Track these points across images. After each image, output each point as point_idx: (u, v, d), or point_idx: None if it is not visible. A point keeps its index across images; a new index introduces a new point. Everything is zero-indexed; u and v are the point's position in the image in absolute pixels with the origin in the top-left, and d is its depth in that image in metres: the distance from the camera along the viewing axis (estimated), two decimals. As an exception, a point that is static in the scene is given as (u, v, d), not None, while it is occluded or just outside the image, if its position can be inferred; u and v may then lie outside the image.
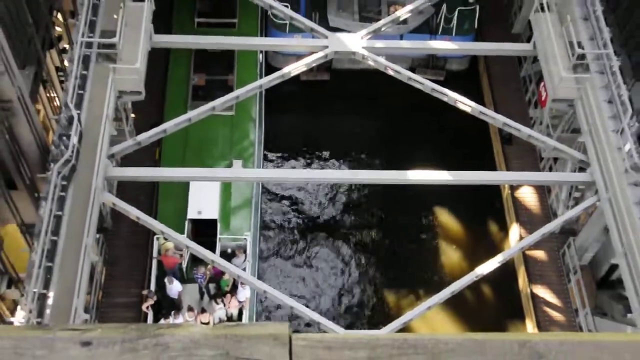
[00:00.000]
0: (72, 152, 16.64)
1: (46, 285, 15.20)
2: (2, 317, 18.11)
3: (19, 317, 14.71)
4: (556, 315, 21.19)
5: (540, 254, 22.24)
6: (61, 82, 21.67)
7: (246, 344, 2.30)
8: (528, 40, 22.61)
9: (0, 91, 16.05)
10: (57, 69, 22.23)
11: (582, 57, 19.55)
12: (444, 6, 25.43)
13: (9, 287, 18.16)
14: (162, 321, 18.27)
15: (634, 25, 21.61)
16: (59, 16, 21.95)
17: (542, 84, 21.49)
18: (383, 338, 2.34)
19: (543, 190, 23.77)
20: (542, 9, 20.78)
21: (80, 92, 18.14)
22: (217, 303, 18.86)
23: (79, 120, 17.22)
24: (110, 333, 2.31)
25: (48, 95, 21.27)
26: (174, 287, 18.87)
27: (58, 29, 22.47)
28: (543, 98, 21.36)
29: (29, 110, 17.16)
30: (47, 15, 20.27)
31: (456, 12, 25.60)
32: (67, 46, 22.13)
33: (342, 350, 2.29)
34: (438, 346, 2.33)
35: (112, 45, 18.74)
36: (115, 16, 19.10)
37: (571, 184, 20.86)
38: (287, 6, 23.25)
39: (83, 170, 17.20)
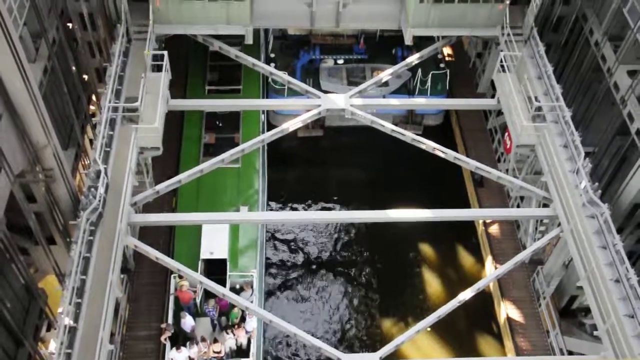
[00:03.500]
0: (100, 201, 16.80)
1: (76, 319, 15.07)
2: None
3: (51, 348, 14.40)
4: (530, 336, 20.80)
5: (513, 282, 21.97)
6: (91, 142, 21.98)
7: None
8: (492, 97, 22.97)
9: (43, 161, 16.35)
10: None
11: (539, 109, 19.87)
12: (419, 70, 25.75)
13: (48, 330, 17.93)
14: (175, 351, 17.95)
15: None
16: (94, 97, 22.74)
17: (506, 133, 21.69)
18: None
19: (512, 226, 23.69)
20: (503, 70, 21.25)
21: (107, 149, 18.46)
22: (228, 333, 18.56)
23: (105, 173, 17.43)
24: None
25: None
26: (188, 322, 18.58)
27: (92, 107, 23.30)
28: (508, 145, 21.51)
29: (67, 176, 17.41)
30: (86, 105, 20.99)
31: (430, 75, 25.87)
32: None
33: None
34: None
35: (134, 109, 19.10)
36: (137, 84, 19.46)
37: (536, 218, 20.86)
38: (285, 73, 23.88)
39: (109, 216, 17.31)
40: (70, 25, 21.47)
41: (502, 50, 21.65)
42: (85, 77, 22.54)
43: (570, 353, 19.13)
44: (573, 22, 23.17)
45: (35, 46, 18.37)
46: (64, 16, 20.85)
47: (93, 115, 22.28)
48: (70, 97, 20.56)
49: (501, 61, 21.25)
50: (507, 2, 21.92)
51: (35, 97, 15.20)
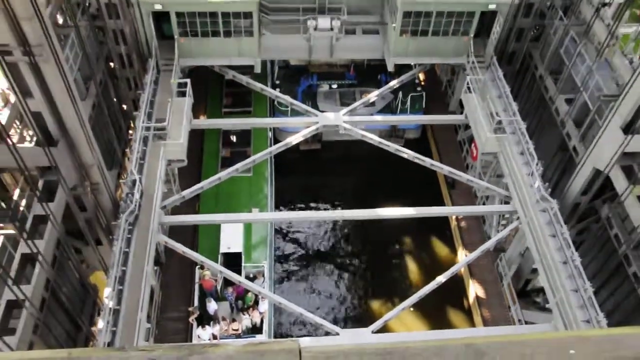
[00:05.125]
0: (136, 205, 17.04)
1: (118, 303, 15.29)
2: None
3: (99, 325, 14.71)
4: (495, 310, 21.01)
5: (481, 267, 22.16)
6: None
7: (268, 357, 2.27)
8: (461, 114, 23.21)
9: (91, 176, 16.76)
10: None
11: (499, 122, 20.10)
12: (400, 93, 25.90)
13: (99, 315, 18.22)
14: (201, 329, 18.20)
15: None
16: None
17: (473, 143, 21.98)
18: (369, 347, 2.29)
19: (479, 220, 23.87)
20: (470, 91, 21.54)
21: (141, 162, 18.60)
22: (244, 314, 18.79)
23: (140, 182, 17.65)
24: (169, 352, 2.30)
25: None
26: (212, 306, 18.70)
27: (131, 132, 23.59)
28: (475, 154, 21.74)
29: (110, 188, 17.85)
30: (125, 132, 21.38)
31: (409, 97, 26.07)
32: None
33: (338, 358, 2.27)
34: (408, 350, 2.28)
35: (163, 128, 19.26)
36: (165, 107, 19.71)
37: (499, 213, 21.02)
38: (288, 97, 24.05)
39: (143, 218, 17.44)
40: (112, 64, 21.76)
41: (468, 75, 21.87)
42: (124, 106, 22.71)
43: (527, 323, 19.29)
44: (523, 57, 23.57)
45: (86, 87, 18.85)
46: (107, 59, 21.25)
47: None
48: (113, 126, 20.85)
49: (467, 84, 21.45)
50: (472, 36, 22.20)
51: (85, 127, 15.59)
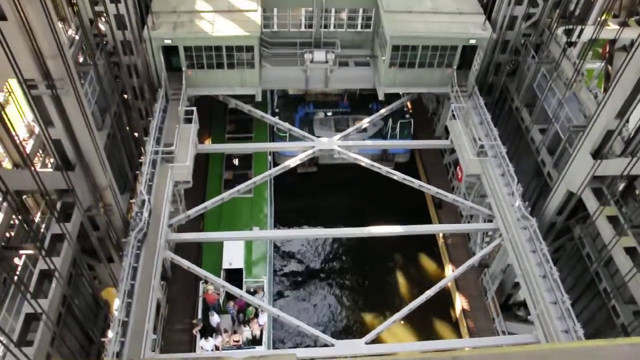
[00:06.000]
0: (144, 223, 17.01)
1: (127, 315, 15.19)
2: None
3: (109, 336, 14.52)
4: (480, 322, 20.85)
5: (466, 281, 22.06)
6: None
7: (266, 367, 2.12)
8: (446, 139, 23.35)
9: (104, 198, 16.78)
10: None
11: (482, 146, 20.28)
12: (390, 120, 26.10)
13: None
14: (204, 340, 17.91)
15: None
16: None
17: (458, 166, 22.08)
18: (363, 358, 2.15)
19: (465, 237, 23.79)
20: (454, 118, 21.74)
21: (150, 183, 18.63)
22: (245, 326, 18.59)
23: (149, 202, 17.66)
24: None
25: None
26: (214, 319, 18.60)
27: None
28: (460, 175, 21.83)
29: (121, 208, 17.81)
30: (137, 158, 21.58)
31: (398, 123, 26.27)
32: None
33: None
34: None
35: (171, 152, 19.35)
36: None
37: (483, 230, 20.97)
38: (286, 123, 24.15)
39: (151, 235, 17.42)
40: (125, 96, 21.98)
41: (452, 103, 22.03)
42: (136, 134, 22.85)
43: (510, 334, 19.15)
44: (500, 90, 23.90)
45: (102, 118, 18.98)
46: (122, 92, 21.49)
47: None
48: (125, 152, 20.99)
49: (452, 111, 21.65)
50: (455, 68, 22.48)
51: (100, 153, 15.73)
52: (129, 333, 14.80)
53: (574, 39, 20.23)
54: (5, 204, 14.93)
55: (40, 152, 17.80)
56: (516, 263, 17.60)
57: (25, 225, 15.05)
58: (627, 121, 16.37)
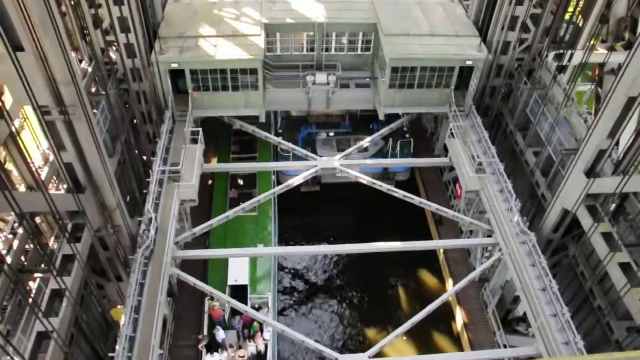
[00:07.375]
0: (151, 241, 17.09)
1: (134, 330, 15.17)
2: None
3: (117, 350, 14.51)
4: (481, 335, 20.69)
5: (467, 295, 21.96)
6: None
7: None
8: (445, 157, 23.46)
9: (114, 220, 16.98)
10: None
11: (480, 164, 20.41)
12: (390, 139, 26.33)
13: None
14: (209, 356, 17.84)
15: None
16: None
17: (457, 183, 22.22)
18: None
19: (465, 252, 23.75)
20: (452, 136, 21.94)
21: (156, 202, 18.77)
22: (250, 341, 18.55)
23: (155, 219, 17.77)
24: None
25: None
26: (220, 334, 18.57)
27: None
28: (459, 192, 21.96)
29: (130, 229, 17.98)
30: (146, 180, 21.76)
31: (398, 142, 26.50)
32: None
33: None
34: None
35: (177, 172, 19.50)
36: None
37: (483, 245, 21.01)
38: (290, 143, 24.33)
39: (158, 252, 17.46)
40: (134, 121, 22.35)
41: (450, 122, 22.27)
42: (144, 157, 23.09)
43: (511, 347, 18.97)
44: (495, 114, 24.22)
45: (112, 145, 19.31)
46: (131, 118, 21.86)
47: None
48: (134, 176, 21.24)
49: (450, 130, 21.87)
50: (452, 88, 22.76)
51: (110, 176, 16.01)
52: (135, 348, 14.77)
53: (564, 62, 20.60)
54: (21, 229, 15.14)
55: (54, 178, 18.11)
56: (516, 277, 17.59)
57: (39, 248, 15.24)
58: (617, 144, 16.61)
